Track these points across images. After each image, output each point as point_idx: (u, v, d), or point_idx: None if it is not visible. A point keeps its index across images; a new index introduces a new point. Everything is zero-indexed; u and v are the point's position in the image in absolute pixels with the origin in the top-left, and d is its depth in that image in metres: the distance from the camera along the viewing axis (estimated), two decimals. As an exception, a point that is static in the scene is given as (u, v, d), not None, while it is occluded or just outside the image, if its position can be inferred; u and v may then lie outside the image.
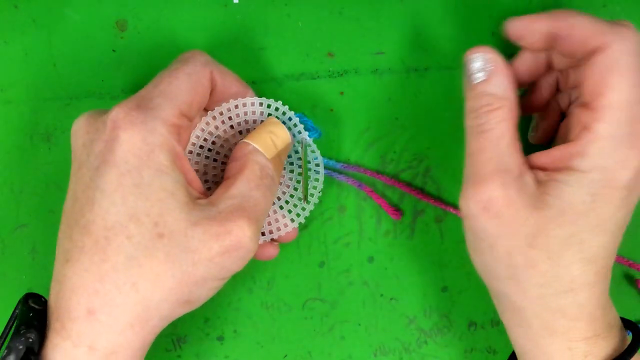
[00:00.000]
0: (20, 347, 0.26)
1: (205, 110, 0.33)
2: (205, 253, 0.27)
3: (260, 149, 0.30)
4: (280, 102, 0.33)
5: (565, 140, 0.29)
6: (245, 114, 0.33)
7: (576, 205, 0.27)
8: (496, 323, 0.37)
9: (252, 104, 0.33)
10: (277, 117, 0.33)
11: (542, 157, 0.28)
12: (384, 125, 0.37)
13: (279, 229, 0.34)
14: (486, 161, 0.28)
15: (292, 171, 0.34)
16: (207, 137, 0.33)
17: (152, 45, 0.37)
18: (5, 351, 0.26)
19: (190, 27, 0.37)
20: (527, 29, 0.29)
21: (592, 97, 0.27)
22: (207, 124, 0.32)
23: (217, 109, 0.32)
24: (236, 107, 0.32)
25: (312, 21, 0.37)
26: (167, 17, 0.37)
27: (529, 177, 0.28)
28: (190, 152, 0.32)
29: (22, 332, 0.27)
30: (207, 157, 0.33)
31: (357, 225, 0.37)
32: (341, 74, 0.37)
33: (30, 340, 0.27)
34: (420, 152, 0.37)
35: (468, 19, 0.37)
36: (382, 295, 0.37)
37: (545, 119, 0.34)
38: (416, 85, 0.37)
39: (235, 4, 0.37)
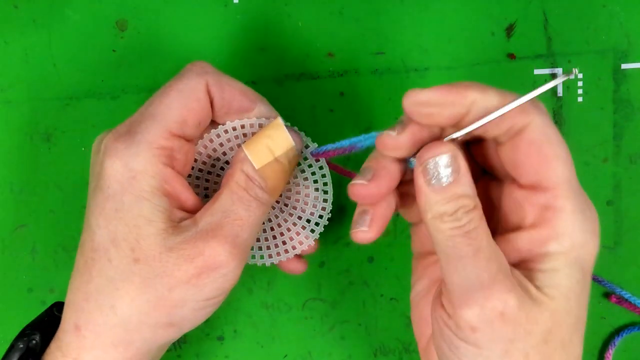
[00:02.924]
0: (21, 346, 0.28)
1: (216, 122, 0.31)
2: (180, 276, 0.27)
3: (249, 157, 0.28)
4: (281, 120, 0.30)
5: (511, 228, 0.27)
6: (253, 134, 0.30)
7: (574, 287, 0.26)
8: (496, 323, 0.37)
9: (260, 125, 0.30)
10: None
11: (506, 251, 0.26)
12: (384, 125, 0.37)
13: (301, 243, 0.32)
14: (486, 263, 0.25)
15: (305, 179, 0.32)
16: (210, 154, 0.31)
17: (152, 45, 0.37)
18: (8, 349, 0.29)
19: (190, 27, 0.37)
20: (443, 105, 0.26)
21: (538, 176, 0.26)
22: (211, 140, 0.31)
23: (221, 127, 0.30)
24: (242, 126, 0.30)
25: (312, 21, 0.37)
26: (167, 17, 0.37)
27: (517, 273, 0.26)
28: (190, 173, 0.31)
29: (27, 333, 0.29)
30: (210, 173, 0.32)
31: (357, 225, 0.37)
32: (341, 74, 0.37)
33: (34, 342, 0.28)
34: (420, 152, 0.37)
35: (468, 19, 0.37)
36: (382, 295, 0.37)
37: (379, 209, 0.29)
38: (416, 85, 0.37)
39: (235, 4, 0.37)
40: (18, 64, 0.37)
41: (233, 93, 0.29)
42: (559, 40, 0.37)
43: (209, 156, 0.31)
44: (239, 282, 0.37)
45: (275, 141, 0.29)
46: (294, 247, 0.33)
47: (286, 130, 0.29)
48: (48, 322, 0.29)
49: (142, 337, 0.27)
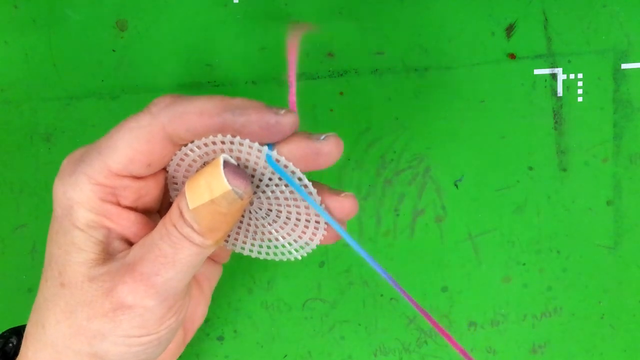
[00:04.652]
0: None
1: None
2: (98, 309, 0.26)
3: (186, 194, 0.25)
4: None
5: None
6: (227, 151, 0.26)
7: None
8: (496, 323, 0.37)
9: (222, 142, 0.26)
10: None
11: None
12: (384, 125, 0.37)
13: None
14: None
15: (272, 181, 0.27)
16: (189, 169, 0.28)
17: (152, 45, 0.37)
18: None
19: (190, 27, 0.37)
20: None
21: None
22: (178, 165, 0.28)
23: (184, 149, 0.27)
24: (206, 144, 0.26)
25: (312, 21, 0.37)
26: (167, 17, 0.37)
27: None
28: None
29: (5, 335, 0.30)
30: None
31: (357, 225, 0.37)
32: (341, 74, 0.37)
33: (10, 345, 0.30)
34: (420, 152, 0.37)
35: (468, 19, 0.37)
36: (382, 295, 0.37)
37: None
38: (416, 85, 0.37)
39: (235, 4, 0.37)
40: (18, 64, 0.37)
41: (192, 119, 0.25)
42: (559, 40, 0.37)
43: (186, 177, 0.28)
44: (239, 282, 0.37)
45: (213, 182, 0.25)
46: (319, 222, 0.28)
47: (222, 172, 0.25)
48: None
49: None
